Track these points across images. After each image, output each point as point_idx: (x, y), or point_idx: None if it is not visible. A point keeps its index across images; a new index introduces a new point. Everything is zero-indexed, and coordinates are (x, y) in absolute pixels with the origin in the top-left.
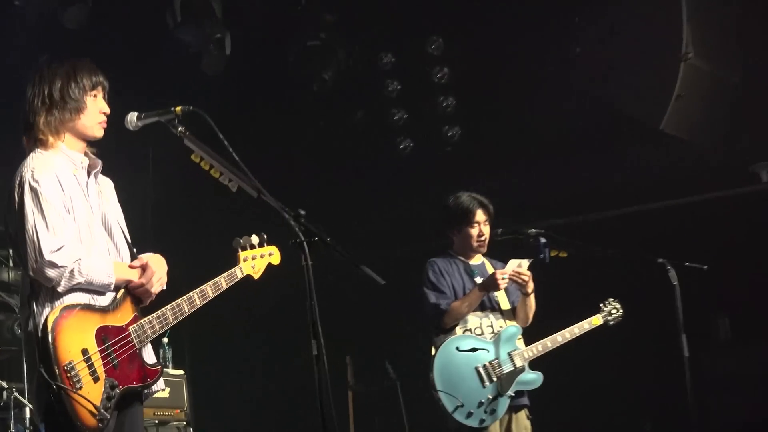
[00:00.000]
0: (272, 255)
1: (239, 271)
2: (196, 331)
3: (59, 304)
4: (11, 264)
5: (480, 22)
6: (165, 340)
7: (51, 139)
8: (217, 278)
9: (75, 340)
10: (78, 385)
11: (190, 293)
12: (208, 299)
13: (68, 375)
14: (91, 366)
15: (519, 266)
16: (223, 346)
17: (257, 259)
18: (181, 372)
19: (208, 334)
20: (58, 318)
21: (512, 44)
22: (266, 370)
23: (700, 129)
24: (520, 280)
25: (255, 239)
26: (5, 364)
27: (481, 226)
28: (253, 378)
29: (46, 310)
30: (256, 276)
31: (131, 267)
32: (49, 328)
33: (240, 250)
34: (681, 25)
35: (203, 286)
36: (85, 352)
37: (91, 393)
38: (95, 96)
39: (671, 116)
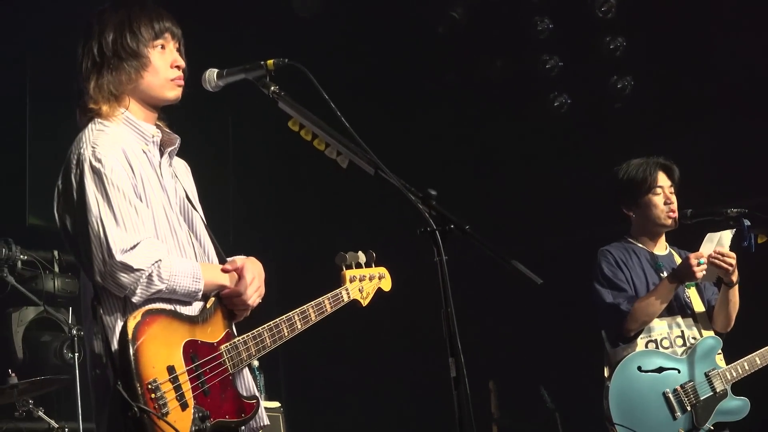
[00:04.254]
0: (383, 278)
1: (345, 294)
2: (293, 353)
3: (139, 309)
4: (56, 269)
5: None
6: (255, 363)
7: (106, 108)
8: (320, 299)
9: (160, 354)
10: (164, 410)
11: (290, 314)
12: (311, 324)
13: (152, 396)
14: (178, 388)
15: (720, 245)
16: (328, 370)
17: (365, 281)
18: (276, 404)
19: (309, 355)
20: (140, 324)
21: None
22: (386, 399)
23: None
24: (724, 265)
25: (362, 257)
26: (54, 397)
27: (666, 192)
28: (368, 410)
29: (120, 320)
30: (365, 302)
31: (224, 270)
32: (130, 336)
33: (345, 269)
34: None
35: (305, 307)
36: (171, 370)
37: (178, 422)
38: (162, 47)
39: None
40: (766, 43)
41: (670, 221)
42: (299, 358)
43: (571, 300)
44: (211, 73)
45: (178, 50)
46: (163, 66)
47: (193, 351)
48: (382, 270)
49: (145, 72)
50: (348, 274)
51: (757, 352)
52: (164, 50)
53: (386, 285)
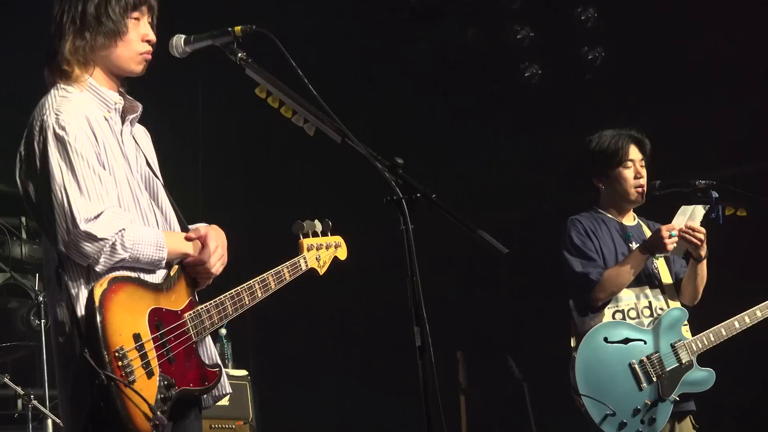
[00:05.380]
0: (339, 247)
1: (303, 263)
2: (261, 320)
3: (105, 277)
4: (24, 235)
5: None
6: (223, 331)
7: (77, 72)
8: (279, 267)
9: (126, 321)
10: (131, 378)
11: (251, 282)
12: (270, 292)
13: (119, 364)
14: (144, 356)
15: (691, 219)
16: (295, 339)
17: (322, 250)
18: (243, 373)
19: (277, 323)
20: (107, 292)
21: None
22: (352, 367)
23: None
24: (694, 240)
25: (318, 226)
26: (20, 364)
27: (636, 165)
28: (335, 379)
29: (84, 288)
30: (321, 271)
31: (188, 239)
32: (97, 303)
33: (302, 237)
34: None
35: (264, 275)
36: (137, 337)
37: (144, 390)
38: (137, 19)
39: None
40: (736, 15)
41: (637, 196)
42: (267, 326)
43: (539, 270)
44: (179, 39)
45: (152, 24)
46: (136, 38)
47: (158, 319)
48: (338, 239)
49: (120, 41)
50: (305, 242)
51: (723, 323)
52: (138, 22)
53: (342, 254)
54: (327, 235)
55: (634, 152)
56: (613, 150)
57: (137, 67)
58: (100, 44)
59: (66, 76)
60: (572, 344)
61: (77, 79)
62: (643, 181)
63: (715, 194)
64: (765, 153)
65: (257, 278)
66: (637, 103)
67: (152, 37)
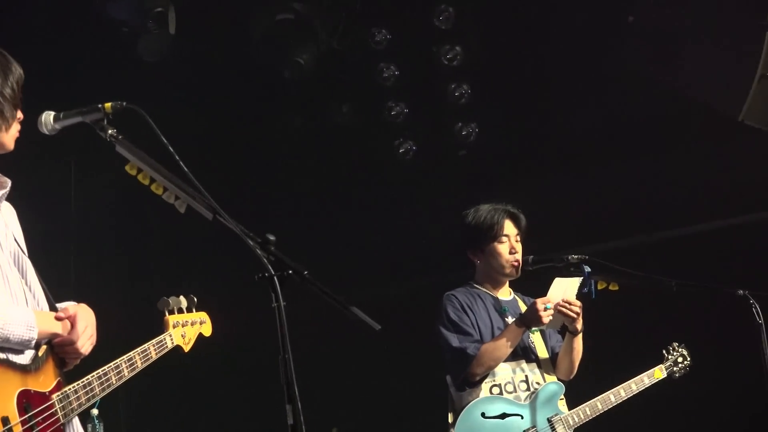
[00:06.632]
0: (203, 323)
1: (169, 340)
2: (133, 399)
3: None
4: None
5: None
6: (95, 412)
7: None
8: (145, 345)
9: None
10: None
11: (117, 361)
12: (137, 370)
13: None
14: None
15: (567, 293)
16: (169, 416)
17: (187, 326)
18: None
19: (150, 401)
20: None
21: (544, 14)
22: None
23: None
24: (571, 314)
25: (184, 302)
26: None
27: (511, 240)
28: None
29: None
30: (187, 348)
31: (57, 318)
32: None
33: (167, 314)
34: None
35: (131, 354)
36: (5, 421)
37: None
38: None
39: (753, 104)
40: (608, 91)
41: (511, 270)
42: (139, 405)
43: (415, 345)
44: (48, 116)
45: None
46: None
47: (26, 401)
48: (203, 315)
49: (14, 121)
50: (171, 319)
51: (599, 397)
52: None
53: (207, 330)
54: (192, 312)
55: (509, 227)
56: (489, 225)
57: (12, 146)
58: (10, 122)
59: None
60: (449, 420)
61: None
62: (519, 255)
63: (587, 269)
64: (637, 228)
65: (124, 357)
66: (511, 178)
67: (21, 115)
